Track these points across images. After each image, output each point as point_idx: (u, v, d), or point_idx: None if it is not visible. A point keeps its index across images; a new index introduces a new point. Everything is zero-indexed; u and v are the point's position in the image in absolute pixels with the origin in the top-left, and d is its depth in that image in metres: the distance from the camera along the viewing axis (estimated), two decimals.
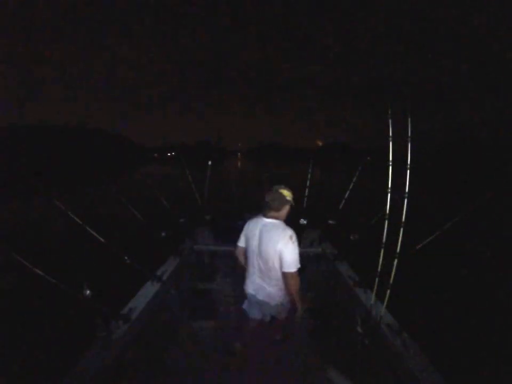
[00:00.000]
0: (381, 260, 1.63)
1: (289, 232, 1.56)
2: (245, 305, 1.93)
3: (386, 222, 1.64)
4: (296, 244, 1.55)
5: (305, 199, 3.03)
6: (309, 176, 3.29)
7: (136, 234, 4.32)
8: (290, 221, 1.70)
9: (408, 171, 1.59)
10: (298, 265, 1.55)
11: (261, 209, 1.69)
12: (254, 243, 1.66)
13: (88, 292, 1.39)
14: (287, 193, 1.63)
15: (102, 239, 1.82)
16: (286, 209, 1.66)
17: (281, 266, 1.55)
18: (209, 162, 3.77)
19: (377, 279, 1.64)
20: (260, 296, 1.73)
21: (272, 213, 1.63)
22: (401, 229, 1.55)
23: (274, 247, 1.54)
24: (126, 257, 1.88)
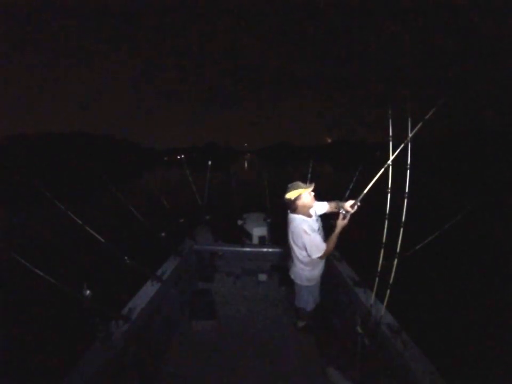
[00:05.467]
0: (381, 259, 1.63)
1: (304, 226, 1.83)
2: None
3: (386, 222, 1.64)
4: (312, 234, 1.81)
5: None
6: (309, 176, 3.29)
7: (136, 234, 4.33)
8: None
9: (408, 171, 1.59)
10: (319, 253, 1.82)
11: (261, 209, 1.78)
12: None
13: (88, 292, 1.38)
14: (288, 196, 1.88)
15: (102, 239, 1.81)
16: (298, 206, 1.89)
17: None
18: (209, 163, 3.77)
19: (377, 279, 1.64)
20: (290, 272, 2.19)
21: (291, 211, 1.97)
22: (401, 229, 1.55)
23: (293, 240, 1.96)
24: (126, 257, 1.87)
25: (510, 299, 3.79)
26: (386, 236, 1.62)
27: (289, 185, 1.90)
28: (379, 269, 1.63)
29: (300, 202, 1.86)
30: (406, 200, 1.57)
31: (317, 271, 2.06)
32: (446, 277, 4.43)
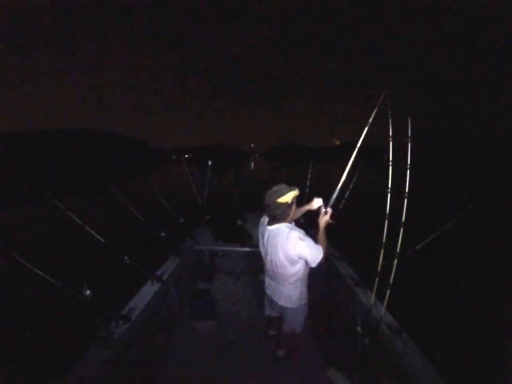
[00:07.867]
0: (381, 259, 1.63)
1: (295, 233, 1.52)
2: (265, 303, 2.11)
3: (386, 222, 1.64)
4: (306, 239, 1.52)
5: (306, 199, 3.04)
6: (309, 176, 3.31)
7: (136, 234, 4.33)
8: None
9: (408, 171, 1.59)
10: (321, 255, 1.53)
11: (261, 209, 1.71)
12: (263, 250, 1.76)
13: (88, 292, 1.38)
14: (284, 200, 1.53)
15: (102, 239, 1.82)
16: (291, 211, 1.61)
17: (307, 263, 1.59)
18: (209, 163, 3.77)
19: (377, 279, 1.64)
20: (275, 297, 1.84)
21: (276, 221, 1.61)
22: (401, 229, 1.55)
23: (284, 254, 1.56)
24: (126, 257, 1.87)
25: (510, 299, 3.79)
26: (386, 236, 1.63)
27: (276, 188, 1.56)
28: (379, 269, 1.63)
29: (294, 207, 1.60)
30: (406, 200, 1.57)
31: (305, 286, 1.82)
32: (446, 277, 4.43)
